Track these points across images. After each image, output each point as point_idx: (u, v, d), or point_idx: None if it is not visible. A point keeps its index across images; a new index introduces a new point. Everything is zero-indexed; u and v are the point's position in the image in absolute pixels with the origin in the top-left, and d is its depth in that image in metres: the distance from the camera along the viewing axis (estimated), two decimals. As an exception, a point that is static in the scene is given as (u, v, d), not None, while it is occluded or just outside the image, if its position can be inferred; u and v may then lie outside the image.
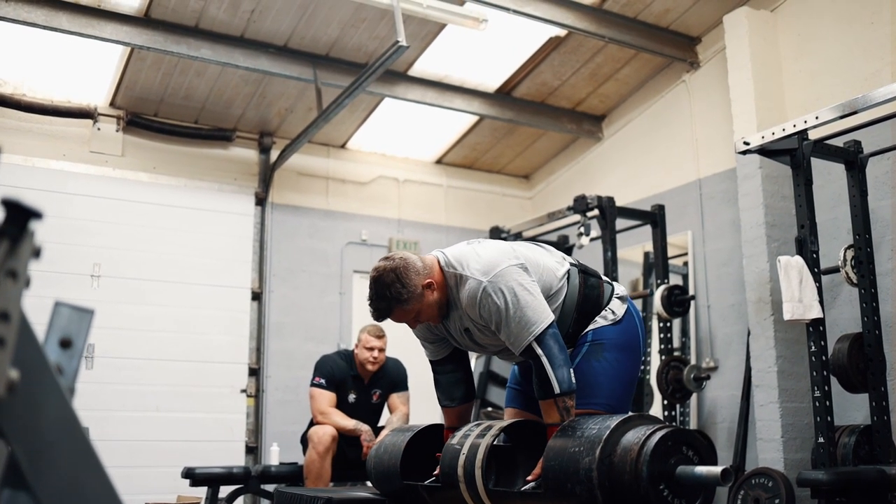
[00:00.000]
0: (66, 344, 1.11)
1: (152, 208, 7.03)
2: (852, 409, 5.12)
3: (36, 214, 0.88)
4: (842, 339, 4.70)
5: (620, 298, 3.04)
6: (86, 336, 1.14)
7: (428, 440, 3.21)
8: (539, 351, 2.68)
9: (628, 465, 2.20)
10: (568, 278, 2.94)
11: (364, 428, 5.14)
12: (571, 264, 3.00)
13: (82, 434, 0.98)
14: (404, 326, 3.14)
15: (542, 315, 2.71)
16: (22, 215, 0.87)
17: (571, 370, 2.69)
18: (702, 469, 2.14)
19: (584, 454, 2.29)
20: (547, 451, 2.46)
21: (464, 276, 2.82)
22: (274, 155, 7.57)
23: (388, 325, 4.74)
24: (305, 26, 6.30)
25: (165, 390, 6.79)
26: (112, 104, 7.02)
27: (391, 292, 2.82)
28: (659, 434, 2.21)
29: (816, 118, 4.53)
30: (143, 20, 6.01)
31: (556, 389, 2.64)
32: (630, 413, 2.53)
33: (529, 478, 2.61)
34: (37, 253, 0.91)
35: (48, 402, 0.94)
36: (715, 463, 2.27)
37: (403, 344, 5.36)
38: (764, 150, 4.79)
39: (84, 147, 6.91)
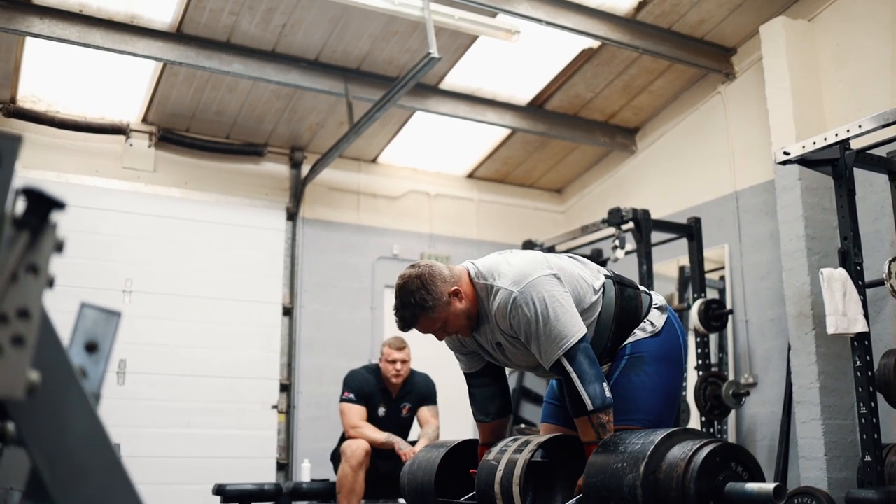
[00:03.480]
0: (91, 348, 1.05)
1: (184, 223, 7.03)
2: (898, 426, 4.97)
3: (58, 204, 0.82)
4: (888, 354, 4.56)
5: (660, 308, 2.94)
6: (113, 339, 1.08)
7: (462, 456, 3.13)
8: (568, 367, 2.59)
9: (674, 481, 2.10)
10: (604, 292, 2.84)
11: (396, 438, 5.09)
12: (607, 276, 2.91)
13: (109, 443, 0.92)
14: (432, 341, 3.06)
15: (573, 329, 2.62)
16: (43, 205, 0.81)
17: (605, 384, 2.59)
18: (753, 486, 2.04)
19: (628, 470, 2.20)
20: (588, 467, 2.38)
21: (494, 286, 2.74)
22: (305, 170, 7.55)
23: (415, 339, 4.70)
24: (337, 40, 6.28)
25: (196, 406, 6.76)
26: (144, 120, 7.04)
27: (416, 299, 2.74)
28: (707, 449, 2.11)
29: (859, 127, 4.43)
30: (176, 35, 6.02)
31: (589, 406, 2.55)
32: (674, 428, 2.43)
33: (576, 492, 2.52)
34: (59, 247, 0.85)
35: (72, 409, 0.88)
36: (763, 480, 2.16)
37: (433, 359, 5.31)
38: (804, 161, 4.68)
39: (117, 163, 6.93)
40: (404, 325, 2.82)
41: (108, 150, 6.90)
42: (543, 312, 2.61)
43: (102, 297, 6.53)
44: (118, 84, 6.69)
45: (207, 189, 7.21)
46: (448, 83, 6.92)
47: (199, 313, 6.91)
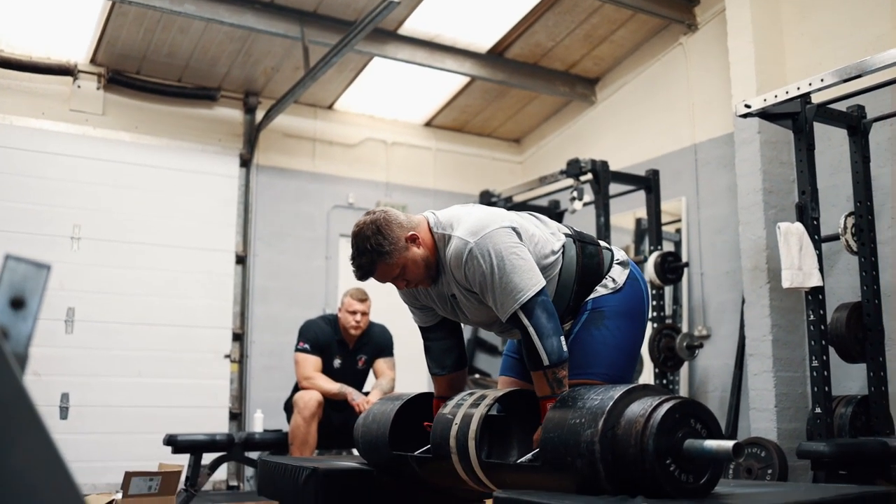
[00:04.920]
0: (17, 304, 0.97)
1: (134, 169, 6.85)
2: (848, 379, 5.04)
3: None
4: (840, 308, 4.61)
5: (621, 264, 2.89)
6: (42, 294, 1.00)
7: (418, 409, 3.09)
8: (525, 321, 2.54)
9: (633, 438, 2.07)
10: (563, 251, 2.78)
11: (349, 389, 5.05)
12: (567, 235, 2.85)
13: (32, 408, 0.84)
14: (389, 292, 2.99)
15: (531, 281, 2.56)
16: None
17: (562, 339, 2.54)
18: (711, 443, 2.02)
19: (586, 426, 2.17)
20: (546, 422, 2.34)
21: (452, 236, 2.67)
22: (259, 115, 7.39)
23: (373, 290, 4.64)
24: (292, -19, 6.09)
25: (147, 355, 6.66)
26: (93, 61, 6.81)
27: (371, 245, 2.66)
28: (666, 406, 2.08)
29: (821, 81, 4.40)
30: (124, -28, 5.80)
31: (546, 361, 2.50)
32: (633, 384, 2.41)
33: (533, 446, 2.49)
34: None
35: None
36: (722, 437, 2.15)
37: (390, 310, 5.25)
38: (765, 114, 4.65)
39: (64, 105, 6.71)
40: (362, 273, 2.73)
41: (54, 92, 6.67)
42: (500, 264, 2.55)
43: (50, 244, 6.37)
44: (65, 23, 6.44)
45: (158, 133, 7.02)
46: (407, 28, 6.77)
47: (149, 261, 6.77)
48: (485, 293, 2.61)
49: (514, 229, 2.63)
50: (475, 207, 2.79)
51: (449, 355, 3.02)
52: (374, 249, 2.66)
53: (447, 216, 2.75)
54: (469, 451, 2.59)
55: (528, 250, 2.64)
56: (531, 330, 2.52)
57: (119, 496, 4.08)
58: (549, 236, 2.78)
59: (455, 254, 2.63)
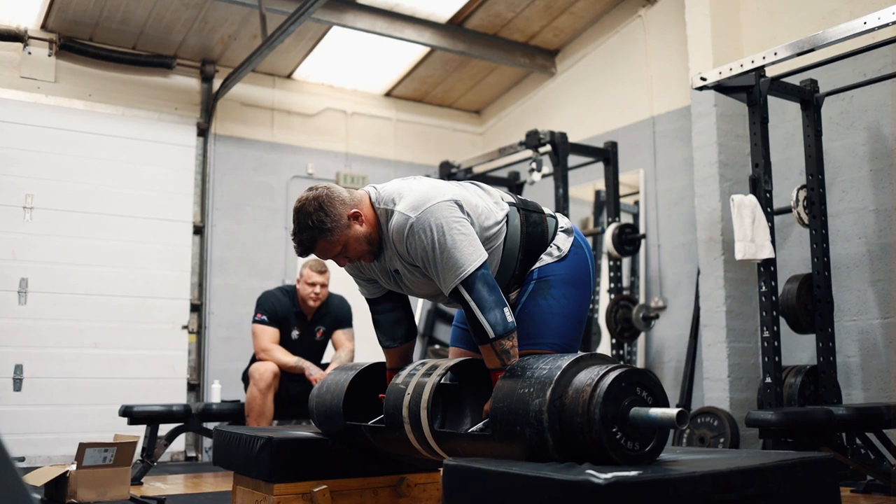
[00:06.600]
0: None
1: (88, 137, 6.75)
2: (798, 349, 5.14)
3: None
4: (791, 280, 4.69)
5: (565, 231, 2.88)
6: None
7: (372, 379, 3.09)
8: (467, 296, 2.52)
9: (580, 407, 2.09)
10: (507, 220, 2.76)
11: (307, 363, 5.05)
12: (511, 203, 2.83)
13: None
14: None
15: (472, 257, 2.54)
16: None
17: (506, 309, 2.53)
18: (656, 411, 2.04)
19: (535, 395, 2.19)
20: (495, 391, 2.36)
21: (393, 211, 2.64)
22: (217, 84, 7.30)
23: (332, 262, 4.63)
24: (249, -52, 6.01)
25: (104, 326, 6.60)
26: (44, 27, 6.67)
27: (313, 221, 2.63)
28: (612, 375, 2.10)
29: (775, 54, 4.45)
30: (76, -64, 5.68)
31: (491, 334, 2.49)
32: (581, 352, 2.43)
33: (483, 416, 2.51)
34: None
35: None
36: (668, 405, 2.18)
37: (348, 281, 5.23)
38: (720, 87, 4.70)
39: (14, 72, 6.58)
40: (302, 249, 2.69)
41: (4, 59, 6.54)
42: (440, 239, 2.53)
43: (1, 214, 6.27)
44: (14, -13, 6.30)
45: (113, 102, 6.91)
46: (366, -3, 6.72)
47: (105, 231, 6.69)
48: (427, 268, 2.60)
49: (456, 202, 2.61)
50: (417, 181, 2.75)
51: (399, 327, 3.01)
52: (315, 226, 2.63)
53: (389, 190, 2.72)
54: (421, 421, 2.60)
55: (470, 223, 2.62)
56: (473, 305, 2.51)
57: (73, 467, 4.06)
58: (493, 206, 2.76)
59: (397, 229, 2.61)
